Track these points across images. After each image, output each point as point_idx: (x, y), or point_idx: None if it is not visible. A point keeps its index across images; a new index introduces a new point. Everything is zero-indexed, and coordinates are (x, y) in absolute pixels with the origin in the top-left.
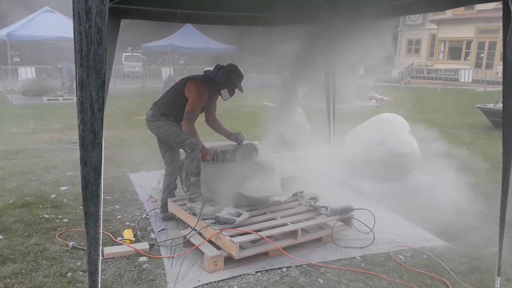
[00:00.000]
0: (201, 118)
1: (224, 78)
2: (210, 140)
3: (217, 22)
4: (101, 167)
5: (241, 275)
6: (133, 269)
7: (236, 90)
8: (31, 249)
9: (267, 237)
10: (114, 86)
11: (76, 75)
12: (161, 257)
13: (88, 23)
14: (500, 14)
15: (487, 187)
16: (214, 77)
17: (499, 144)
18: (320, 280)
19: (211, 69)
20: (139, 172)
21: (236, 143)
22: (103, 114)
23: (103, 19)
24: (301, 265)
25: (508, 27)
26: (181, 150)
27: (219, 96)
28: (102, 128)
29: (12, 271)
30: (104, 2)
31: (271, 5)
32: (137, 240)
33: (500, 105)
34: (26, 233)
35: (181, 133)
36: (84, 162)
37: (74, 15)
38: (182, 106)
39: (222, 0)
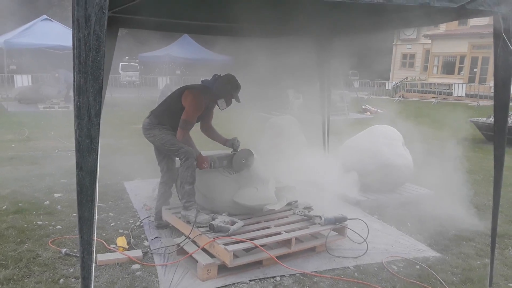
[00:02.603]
0: (197, 127)
1: (222, 88)
2: (206, 149)
3: (214, 32)
4: (96, 172)
5: (234, 284)
6: (126, 276)
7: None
8: (24, 256)
9: (261, 245)
10: (111, 95)
11: (74, 81)
12: (154, 265)
13: (87, 30)
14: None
15: (480, 199)
16: (211, 87)
17: (491, 157)
18: None
19: (208, 78)
20: (133, 180)
21: (232, 149)
22: (99, 120)
23: (102, 26)
24: (295, 274)
25: (499, 42)
26: (176, 158)
27: (216, 105)
28: (99, 133)
29: (4, 277)
30: (104, 10)
31: (268, 17)
32: (131, 247)
33: (492, 119)
34: (18, 239)
35: (176, 141)
36: (80, 167)
37: (73, 22)
38: (179, 115)
39: (220, 11)
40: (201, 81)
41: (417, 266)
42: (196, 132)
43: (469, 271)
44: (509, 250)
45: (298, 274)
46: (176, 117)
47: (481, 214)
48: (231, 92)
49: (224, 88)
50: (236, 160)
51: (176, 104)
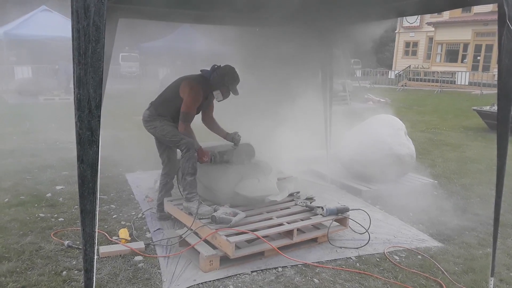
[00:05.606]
0: (199, 118)
1: (218, 80)
2: (207, 141)
3: (215, 22)
4: (98, 164)
5: (236, 275)
6: (129, 268)
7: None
8: (26, 248)
9: (263, 236)
10: (111, 86)
11: (73, 73)
12: (156, 256)
13: (86, 21)
14: (497, 17)
15: (482, 189)
16: (208, 78)
17: (494, 146)
18: (315, 280)
19: (208, 69)
20: (135, 172)
21: (233, 144)
22: (100, 112)
23: (101, 17)
24: (297, 265)
25: (503, 30)
26: (178, 149)
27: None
28: (100, 125)
29: (7, 269)
30: (103, 0)
31: (270, 5)
32: (133, 239)
33: (496, 108)
34: (21, 232)
35: (177, 132)
36: (81, 159)
37: (72, 13)
38: (178, 106)
39: (221, 0)
40: (200, 71)
41: (419, 256)
42: (196, 124)
43: (471, 261)
44: None
45: (300, 265)
46: (176, 108)
47: (484, 203)
48: (228, 84)
49: (220, 80)
50: (236, 154)
51: (174, 95)
